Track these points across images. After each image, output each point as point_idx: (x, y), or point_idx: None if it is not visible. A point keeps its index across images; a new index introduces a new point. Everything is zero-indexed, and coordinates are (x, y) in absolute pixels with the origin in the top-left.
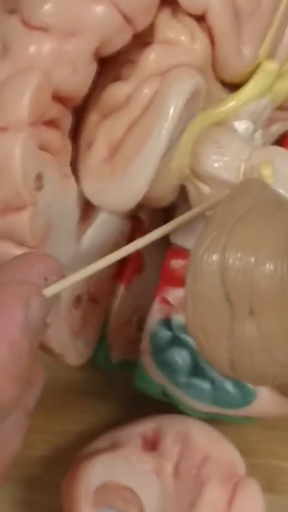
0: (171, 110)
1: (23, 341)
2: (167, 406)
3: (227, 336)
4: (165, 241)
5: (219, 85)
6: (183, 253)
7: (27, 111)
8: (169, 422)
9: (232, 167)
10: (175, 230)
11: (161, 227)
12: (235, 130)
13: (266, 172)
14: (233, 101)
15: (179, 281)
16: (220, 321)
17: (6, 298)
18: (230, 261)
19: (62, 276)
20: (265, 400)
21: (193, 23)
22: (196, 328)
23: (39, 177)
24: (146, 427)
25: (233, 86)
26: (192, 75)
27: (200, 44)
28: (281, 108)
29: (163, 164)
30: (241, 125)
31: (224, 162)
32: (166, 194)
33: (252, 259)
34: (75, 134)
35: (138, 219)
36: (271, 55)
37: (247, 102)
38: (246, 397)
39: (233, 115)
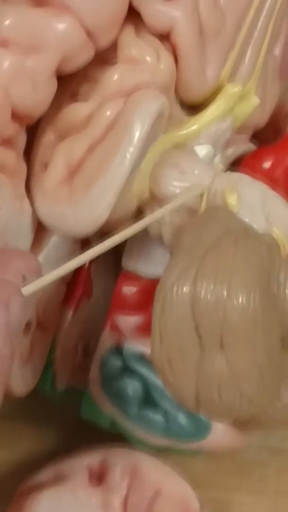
0: (137, 133)
1: (5, 346)
2: (112, 436)
3: (195, 369)
4: (113, 266)
5: (178, 106)
6: (135, 279)
7: None
8: (116, 454)
9: (195, 194)
10: (127, 255)
11: (112, 237)
12: (196, 154)
13: (232, 201)
14: (195, 124)
15: (131, 308)
16: (188, 354)
17: None
18: (202, 294)
19: (40, 274)
20: (219, 433)
21: (157, 42)
22: (162, 361)
23: None
24: (92, 459)
25: (190, 108)
26: (157, 97)
27: (165, 64)
28: (238, 131)
29: (125, 187)
30: (202, 150)
31: (186, 188)
32: (125, 218)
33: (225, 292)
34: (27, 154)
35: (87, 243)
36: (232, 76)
37: (209, 125)
38: (201, 430)
39: (194, 138)
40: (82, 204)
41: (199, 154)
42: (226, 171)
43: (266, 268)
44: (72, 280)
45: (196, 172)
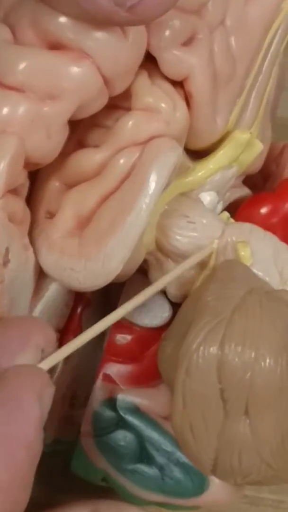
0: (153, 185)
1: (37, 440)
2: (103, 488)
3: (217, 435)
4: (104, 313)
5: (184, 152)
6: (130, 327)
7: (3, 181)
8: (107, 507)
9: (204, 244)
10: (121, 303)
11: (132, 299)
12: (202, 202)
13: (245, 254)
14: (202, 171)
15: (125, 357)
16: (211, 418)
17: (19, 391)
18: (230, 356)
19: (56, 346)
20: (217, 489)
21: (172, 89)
22: (183, 425)
23: (6, 252)
24: (81, 511)
25: (193, 152)
26: (174, 147)
27: (181, 112)
28: None
29: None
30: (207, 197)
31: (195, 238)
32: (132, 270)
33: (253, 354)
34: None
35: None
36: (237, 123)
37: (215, 172)
38: (199, 486)
39: (200, 185)
40: (95, 258)
41: (204, 201)
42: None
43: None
44: (64, 328)
45: (204, 221)
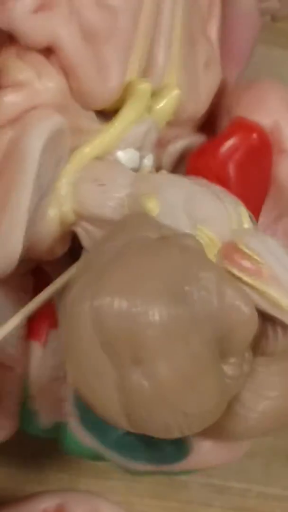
0: (29, 159)
1: None
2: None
3: (117, 389)
4: None
5: (91, 117)
6: None
7: None
8: (75, 498)
9: (116, 204)
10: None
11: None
12: (119, 162)
13: (150, 205)
14: (109, 131)
15: None
16: (103, 374)
17: None
18: (103, 309)
19: None
20: (202, 452)
21: (41, 60)
22: (80, 385)
23: None
24: (49, 502)
25: (109, 114)
26: (47, 116)
27: (52, 81)
28: (174, 125)
29: (39, 215)
30: (125, 155)
31: (106, 199)
32: (53, 245)
33: (128, 306)
34: None
35: (42, 273)
36: (144, 75)
37: (126, 129)
38: (179, 451)
39: (114, 146)
40: None
41: (122, 159)
42: (172, 168)
43: (177, 273)
44: (36, 312)
45: (113, 180)
